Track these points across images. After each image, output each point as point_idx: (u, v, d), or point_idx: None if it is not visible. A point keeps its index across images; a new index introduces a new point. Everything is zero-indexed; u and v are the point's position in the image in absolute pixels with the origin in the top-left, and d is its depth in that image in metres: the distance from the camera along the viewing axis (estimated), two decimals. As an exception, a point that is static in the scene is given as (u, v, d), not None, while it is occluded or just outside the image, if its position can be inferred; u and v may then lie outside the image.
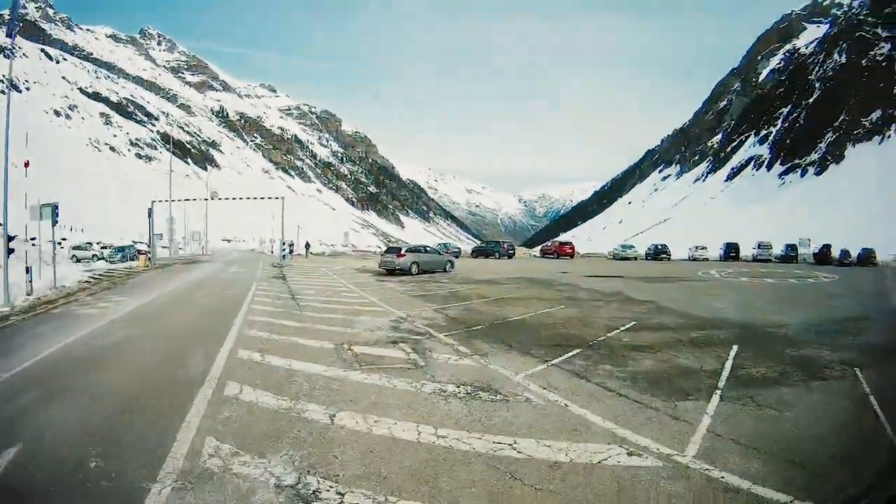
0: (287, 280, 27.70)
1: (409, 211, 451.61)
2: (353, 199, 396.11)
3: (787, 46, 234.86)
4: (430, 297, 19.64)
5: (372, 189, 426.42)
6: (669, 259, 58.65)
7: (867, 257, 52.29)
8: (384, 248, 44.93)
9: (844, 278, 31.33)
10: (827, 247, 55.00)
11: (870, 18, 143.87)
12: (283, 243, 49.06)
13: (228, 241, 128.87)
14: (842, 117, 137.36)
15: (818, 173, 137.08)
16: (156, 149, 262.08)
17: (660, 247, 60.78)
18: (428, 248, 34.55)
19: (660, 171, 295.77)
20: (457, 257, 50.61)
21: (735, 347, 11.03)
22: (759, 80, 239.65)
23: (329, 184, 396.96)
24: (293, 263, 45.86)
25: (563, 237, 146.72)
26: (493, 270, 35.59)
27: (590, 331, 13.05)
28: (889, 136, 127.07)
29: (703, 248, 59.28)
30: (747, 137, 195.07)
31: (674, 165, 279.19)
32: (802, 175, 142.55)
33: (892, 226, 79.68)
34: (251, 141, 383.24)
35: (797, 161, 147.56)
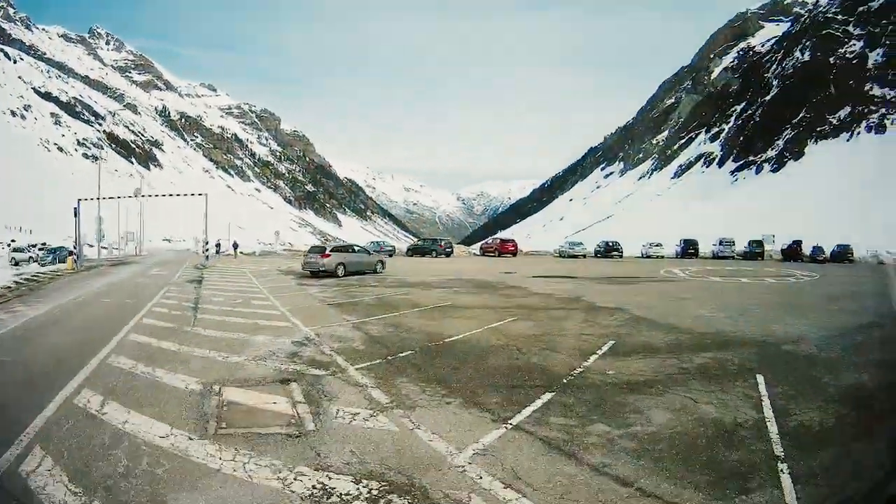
0: (202, 284, 25.50)
1: (347, 209, 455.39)
2: (291, 198, 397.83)
3: (742, 45, 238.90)
4: (351, 307, 16.85)
5: (309, 188, 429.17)
6: (621, 257, 56.55)
7: (842, 254, 51.23)
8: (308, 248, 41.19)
9: (826, 276, 30.04)
10: (797, 243, 53.70)
11: (839, 16, 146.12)
12: (207, 243, 47.37)
13: (168, 240, 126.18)
14: (802, 114, 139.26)
15: (775, 170, 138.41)
16: (102, 148, 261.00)
17: (611, 244, 58.23)
18: (356, 248, 31.94)
19: (602, 169, 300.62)
20: (391, 256, 49.40)
21: (760, 378, 8.29)
22: (711, 78, 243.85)
23: (267, 183, 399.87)
24: (218, 264, 43.77)
25: (503, 234, 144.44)
26: (430, 271, 33.35)
27: (558, 357, 9.96)
28: (859, 133, 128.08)
29: (657, 245, 57.66)
30: (697, 135, 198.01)
31: (617, 163, 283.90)
32: (757, 172, 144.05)
33: (854, 222, 79.76)
34: (192, 140, 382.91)
35: (752, 158, 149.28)
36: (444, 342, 11.29)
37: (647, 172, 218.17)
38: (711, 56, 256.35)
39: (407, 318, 14.61)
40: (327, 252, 28.85)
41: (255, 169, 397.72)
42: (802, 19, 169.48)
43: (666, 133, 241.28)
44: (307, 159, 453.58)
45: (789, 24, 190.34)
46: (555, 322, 13.80)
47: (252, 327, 13.17)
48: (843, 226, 75.36)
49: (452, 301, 18.07)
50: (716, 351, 10.40)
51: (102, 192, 66.88)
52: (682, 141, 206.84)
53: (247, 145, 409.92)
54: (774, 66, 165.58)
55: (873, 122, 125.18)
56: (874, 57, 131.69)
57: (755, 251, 54.32)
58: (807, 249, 52.50)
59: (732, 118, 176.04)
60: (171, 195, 55.35)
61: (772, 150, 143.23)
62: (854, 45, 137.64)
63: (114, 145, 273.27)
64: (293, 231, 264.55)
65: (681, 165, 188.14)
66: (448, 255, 54.46)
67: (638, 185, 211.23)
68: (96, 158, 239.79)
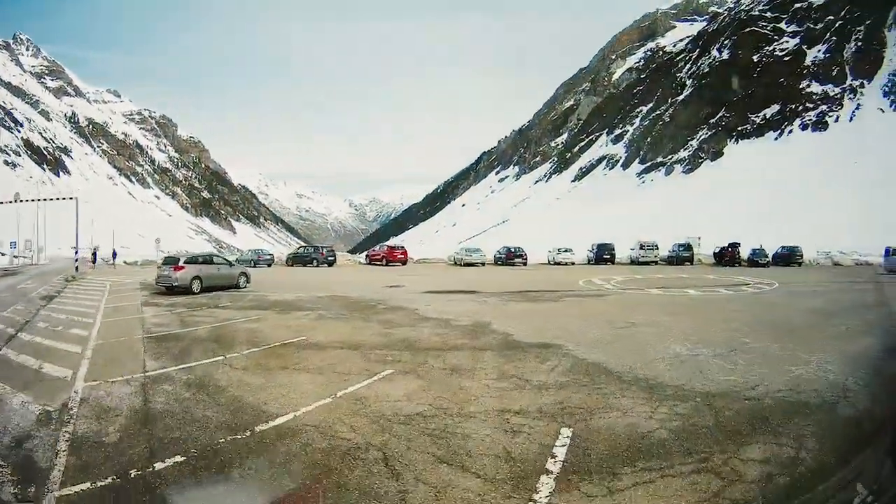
0: (52, 300, 22.63)
1: (241, 216, 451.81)
2: (188, 206, 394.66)
3: (650, 45, 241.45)
4: (172, 342, 12.83)
5: (205, 195, 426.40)
6: (525, 264, 52.26)
7: (789, 256, 49.36)
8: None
9: (786, 284, 27.57)
10: (733, 245, 50.64)
11: (769, 14, 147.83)
12: (77, 252, 47.20)
13: (75, 249, 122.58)
14: (721, 113, 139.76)
15: (688, 171, 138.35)
16: (20, 156, 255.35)
17: (514, 249, 53.75)
18: (216, 258, 28.39)
19: (497, 173, 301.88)
20: (269, 266, 48.54)
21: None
22: (613, 79, 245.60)
23: (166, 190, 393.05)
24: (90, 275, 42.14)
25: (394, 241, 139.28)
26: (302, 285, 29.53)
27: (468, 489, 5.16)
28: (791, 132, 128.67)
29: (567, 251, 53.80)
30: (598, 137, 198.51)
31: (512, 167, 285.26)
32: (668, 173, 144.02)
33: (779, 222, 79.44)
34: (98, 147, 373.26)
35: (661, 160, 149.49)
36: (255, 434, 6.56)
37: (545, 176, 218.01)
38: (613, 57, 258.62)
39: (228, 368, 10.06)
40: (181, 264, 25.15)
41: (155, 176, 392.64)
42: (721, 18, 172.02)
43: (565, 136, 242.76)
44: (203, 166, 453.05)
45: (705, 23, 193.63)
46: (456, 379, 8.88)
47: (21, 383, 9.09)
48: (767, 226, 74.95)
49: (309, 334, 13.30)
50: (763, 437, 6.15)
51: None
52: (583, 143, 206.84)
53: (147, 152, 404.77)
54: (688, 66, 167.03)
55: (811, 120, 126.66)
56: (814, 54, 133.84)
57: (683, 255, 51.10)
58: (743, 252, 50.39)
59: (638, 119, 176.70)
60: (43, 200, 56.09)
61: (684, 150, 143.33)
62: (787, 42, 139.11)
63: (29, 152, 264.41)
64: (190, 239, 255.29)
65: (581, 168, 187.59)
66: (330, 264, 51.87)
67: (535, 189, 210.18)
68: (15, 165, 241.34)
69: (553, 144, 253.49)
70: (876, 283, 30.02)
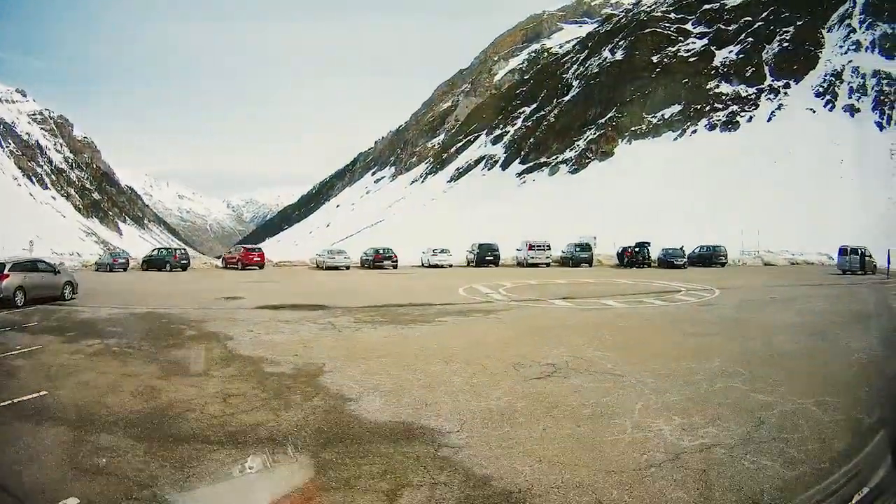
0: None
1: (127, 218, 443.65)
2: (81, 207, 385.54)
3: (535, 46, 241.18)
4: None
5: (96, 196, 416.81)
6: (395, 267, 46.59)
7: (711, 256, 46.22)
8: None
9: (729, 289, 23.96)
10: (642, 245, 46.45)
11: (672, 15, 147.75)
12: None
13: None
14: (612, 114, 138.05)
15: (574, 171, 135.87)
16: None
17: (382, 251, 48.08)
18: (40, 264, 23.43)
19: (373, 174, 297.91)
20: (125, 270, 45.11)
21: None
22: (494, 80, 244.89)
23: (62, 191, 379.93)
24: None
25: (269, 242, 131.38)
26: (134, 294, 24.69)
27: None
28: (695, 132, 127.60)
29: (443, 252, 48.01)
30: (477, 137, 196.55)
31: (388, 167, 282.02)
32: (552, 174, 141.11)
33: (672, 222, 77.39)
34: (7, 147, 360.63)
35: (544, 160, 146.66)
36: None
37: (421, 176, 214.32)
38: (496, 58, 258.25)
39: None
40: (6, 272, 20.78)
41: (52, 177, 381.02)
42: (617, 19, 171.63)
43: (442, 136, 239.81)
44: (94, 166, 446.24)
45: (597, 24, 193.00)
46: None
47: None
48: (658, 225, 72.47)
49: (46, 385, 9.02)
50: None
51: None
52: (460, 144, 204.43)
53: (46, 152, 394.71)
54: (575, 67, 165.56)
55: (719, 120, 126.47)
56: (724, 54, 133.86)
57: (580, 256, 46.53)
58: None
59: (520, 120, 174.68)
60: None
61: (570, 150, 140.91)
62: (693, 43, 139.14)
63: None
64: (81, 241, 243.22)
65: (458, 169, 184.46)
66: (184, 268, 47.16)
67: (410, 190, 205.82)
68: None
69: (429, 145, 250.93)
70: (845, 286, 27.11)
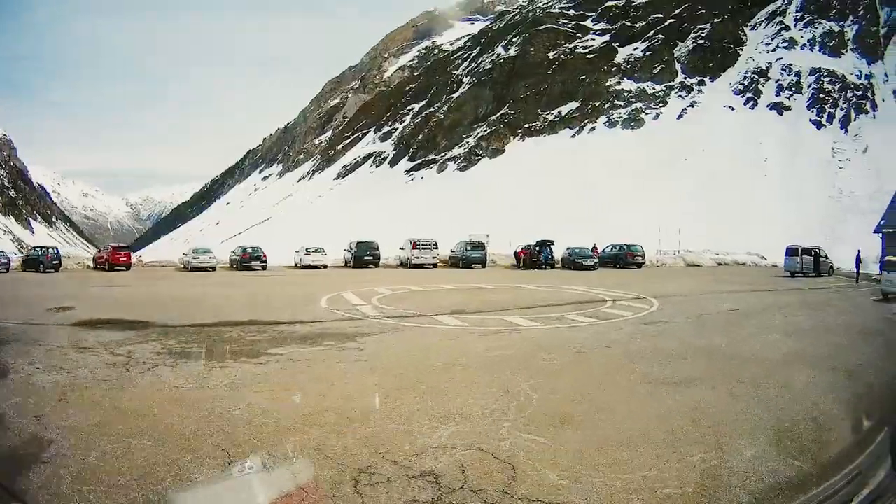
0: None
1: (38, 216, 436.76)
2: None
3: (426, 43, 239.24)
4: None
5: (12, 194, 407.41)
6: (265, 268, 42.03)
7: (626, 256, 42.57)
8: None
9: (668, 297, 19.74)
10: (543, 244, 42.37)
11: (571, 12, 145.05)
12: None
13: None
14: (505, 110, 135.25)
15: (463, 168, 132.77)
16: None
17: (249, 250, 44.01)
18: None
19: (261, 171, 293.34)
20: (7, 271, 41.72)
21: None
22: (384, 77, 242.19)
23: None
24: None
25: (163, 239, 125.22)
26: None
27: None
28: (594, 129, 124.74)
29: (317, 251, 43.94)
30: (365, 134, 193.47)
31: (276, 164, 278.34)
32: (440, 171, 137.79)
33: (562, 220, 73.55)
34: None
35: (433, 157, 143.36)
36: None
37: (309, 173, 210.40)
38: (386, 55, 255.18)
39: None
40: None
41: None
42: (511, 16, 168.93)
43: (329, 133, 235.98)
44: (11, 164, 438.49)
45: (490, 21, 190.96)
46: None
47: None
48: (557, 223, 68.23)
49: None
50: None
51: None
52: (348, 141, 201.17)
53: None
54: (467, 64, 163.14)
55: (620, 117, 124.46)
56: (629, 51, 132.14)
57: (472, 256, 42.26)
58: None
59: (409, 117, 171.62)
60: None
61: (460, 148, 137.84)
62: (593, 40, 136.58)
63: None
64: None
65: (345, 166, 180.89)
66: (56, 268, 43.66)
67: (298, 187, 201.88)
68: None
69: (317, 142, 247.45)
70: (810, 292, 24.02)
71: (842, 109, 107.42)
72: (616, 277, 31.09)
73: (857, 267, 32.14)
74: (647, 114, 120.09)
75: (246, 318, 14.42)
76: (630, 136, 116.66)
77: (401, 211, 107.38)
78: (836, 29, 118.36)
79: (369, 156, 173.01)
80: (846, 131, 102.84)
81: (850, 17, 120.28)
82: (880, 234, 40.28)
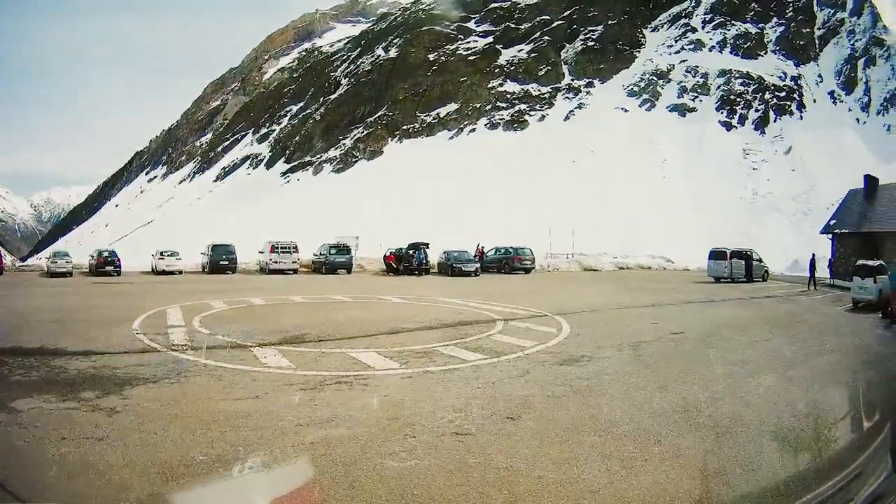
0: None
1: None
2: None
3: (306, 45, 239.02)
4: None
5: None
6: (119, 273, 37.41)
7: (513, 261, 38.57)
8: None
9: (577, 314, 15.44)
10: (417, 247, 37.81)
11: (453, 13, 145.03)
12: None
13: None
14: (382, 112, 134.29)
15: (339, 170, 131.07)
16: None
17: (105, 254, 39.18)
18: None
19: (147, 174, 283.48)
20: None
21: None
22: (264, 78, 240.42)
23: None
24: None
25: (60, 241, 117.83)
26: None
27: None
28: (473, 130, 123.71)
29: (172, 255, 39.53)
30: (244, 136, 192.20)
31: (161, 167, 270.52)
32: (316, 173, 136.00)
33: (441, 223, 71.14)
34: None
35: (309, 159, 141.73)
36: None
37: (189, 175, 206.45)
38: (266, 57, 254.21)
39: None
40: None
41: None
42: (392, 18, 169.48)
43: (210, 135, 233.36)
44: None
45: (371, 23, 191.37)
46: None
47: None
48: (436, 227, 65.87)
49: None
50: None
51: None
52: (227, 143, 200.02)
53: None
54: (346, 65, 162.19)
55: (502, 119, 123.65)
56: (514, 53, 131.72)
57: (337, 261, 38.28)
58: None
59: (286, 119, 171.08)
60: None
61: (336, 149, 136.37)
62: (476, 41, 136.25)
63: None
64: None
65: (224, 168, 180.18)
66: None
67: (179, 189, 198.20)
68: None
69: (198, 144, 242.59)
70: (761, 302, 20.34)
71: (756, 111, 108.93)
72: (503, 285, 27.49)
73: (812, 272, 29.34)
74: (531, 115, 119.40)
75: (26, 348, 10.07)
76: (513, 138, 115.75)
77: (277, 213, 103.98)
78: (754, 31, 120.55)
79: (246, 158, 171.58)
80: (762, 133, 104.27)
81: (775, 20, 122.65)
82: (829, 235, 37.63)
